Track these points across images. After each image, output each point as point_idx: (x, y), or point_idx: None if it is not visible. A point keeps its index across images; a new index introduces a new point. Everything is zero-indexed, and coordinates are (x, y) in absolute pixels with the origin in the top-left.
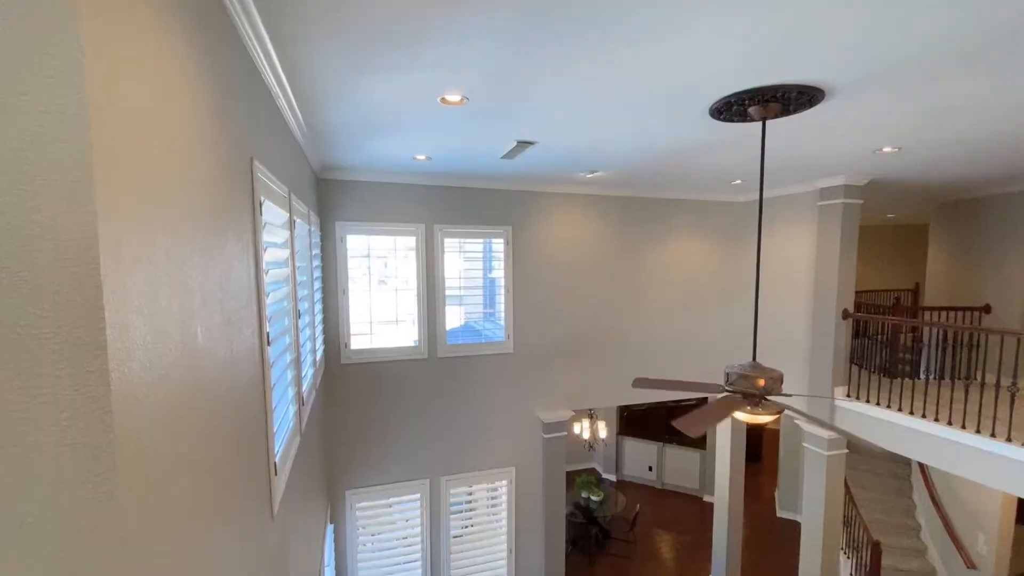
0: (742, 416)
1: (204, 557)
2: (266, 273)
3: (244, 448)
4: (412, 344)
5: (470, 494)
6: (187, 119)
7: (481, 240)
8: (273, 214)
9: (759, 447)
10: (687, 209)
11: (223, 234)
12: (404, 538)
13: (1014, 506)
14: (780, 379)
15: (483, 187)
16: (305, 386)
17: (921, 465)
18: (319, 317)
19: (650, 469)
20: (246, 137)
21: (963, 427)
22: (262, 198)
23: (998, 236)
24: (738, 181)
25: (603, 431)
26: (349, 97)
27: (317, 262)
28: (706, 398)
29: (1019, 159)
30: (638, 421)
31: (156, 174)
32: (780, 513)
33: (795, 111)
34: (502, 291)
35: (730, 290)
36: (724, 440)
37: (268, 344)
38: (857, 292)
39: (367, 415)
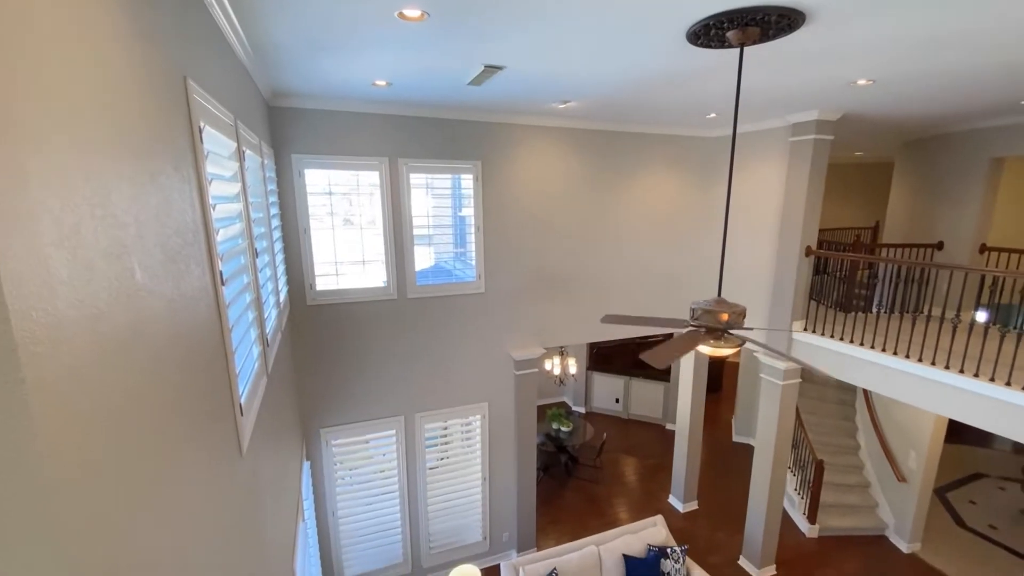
0: (705, 349)
1: (167, 493)
2: (213, 208)
3: (204, 387)
4: (381, 285)
5: (445, 428)
6: (102, 29)
7: (449, 176)
8: (217, 143)
9: (719, 378)
10: (660, 144)
11: (157, 161)
12: (381, 471)
13: (944, 426)
14: (743, 314)
15: (450, 118)
16: (269, 328)
17: (865, 392)
18: (280, 257)
19: (617, 401)
20: (177, 53)
21: (907, 357)
22: (201, 123)
23: (956, 174)
24: (712, 115)
25: (573, 367)
26: (293, 4)
27: (274, 198)
28: (672, 333)
29: (988, 94)
30: (607, 357)
31: (64, 88)
32: (736, 438)
33: (774, 36)
34: (472, 230)
35: (700, 226)
36: (687, 372)
37: (223, 284)
38: (820, 230)
39: (338, 356)
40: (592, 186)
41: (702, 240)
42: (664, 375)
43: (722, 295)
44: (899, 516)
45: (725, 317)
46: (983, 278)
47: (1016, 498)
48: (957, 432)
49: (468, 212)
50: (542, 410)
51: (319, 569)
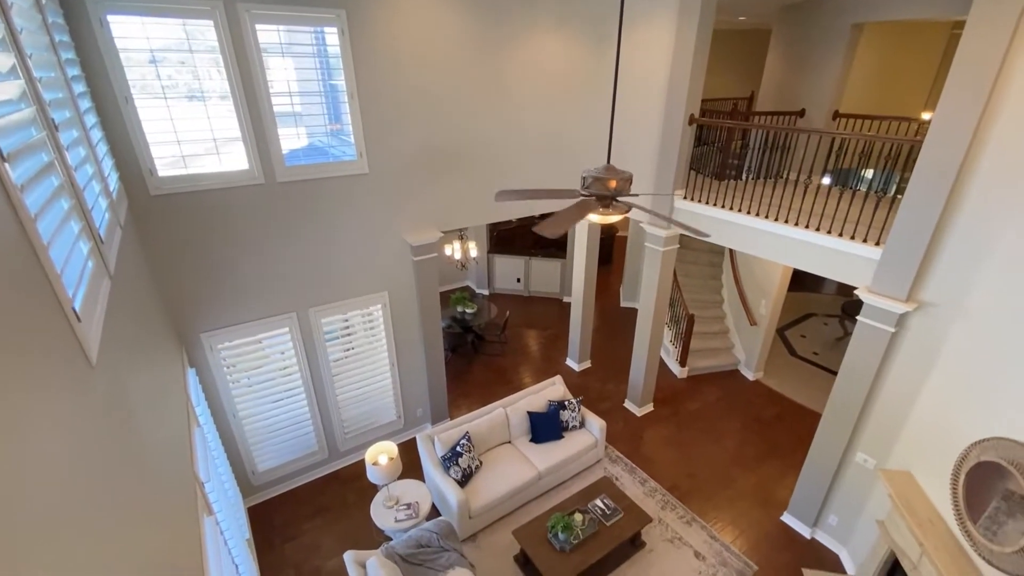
0: (595, 218)
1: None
2: None
3: (9, 293)
4: (244, 169)
5: (346, 321)
6: None
7: (309, 30)
8: None
9: (610, 252)
10: (551, 4)
11: None
12: (282, 369)
13: (789, 277)
14: (630, 180)
15: None
16: (100, 221)
17: (731, 252)
18: (99, 136)
19: (518, 280)
20: None
21: (767, 217)
22: None
23: (821, 41)
24: None
25: (474, 251)
26: None
27: (70, 54)
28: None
29: None
30: (507, 239)
31: None
32: (623, 304)
33: None
34: (347, 98)
35: (592, 94)
36: (580, 249)
37: (4, 161)
38: (702, 100)
39: (205, 253)
40: (479, 49)
41: (595, 108)
42: (560, 253)
43: (611, 163)
44: (749, 353)
45: (613, 184)
46: (832, 144)
47: (834, 330)
48: (798, 281)
49: (340, 80)
50: (446, 295)
51: (228, 468)
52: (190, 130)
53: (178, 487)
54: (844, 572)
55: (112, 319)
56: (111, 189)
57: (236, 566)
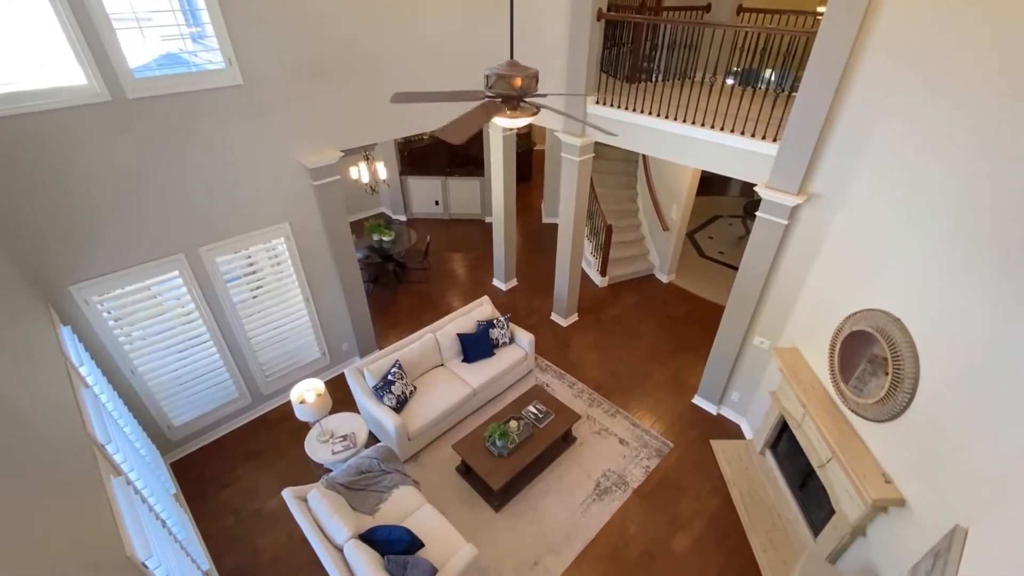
0: (503, 121)
1: None
2: None
3: None
4: (80, 84)
5: (249, 258)
6: None
7: None
8: None
9: (529, 168)
10: None
11: None
12: (181, 317)
13: (697, 181)
14: (536, 77)
15: None
16: None
17: (644, 160)
18: None
19: (437, 203)
20: None
21: (675, 119)
22: None
23: None
24: None
25: (383, 172)
26: None
27: None
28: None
29: None
30: (420, 159)
31: None
32: (545, 220)
33: None
34: None
35: None
36: (497, 164)
37: None
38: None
39: (49, 193)
40: None
41: (498, 6)
42: (478, 171)
43: (515, 59)
44: (662, 257)
45: (519, 82)
46: (735, 40)
47: (737, 230)
48: (705, 185)
49: None
50: (360, 224)
51: (136, 426)
52: None
53: (73, 452)
54: (744, 437)
55: None
56: None
57: (163, 521)
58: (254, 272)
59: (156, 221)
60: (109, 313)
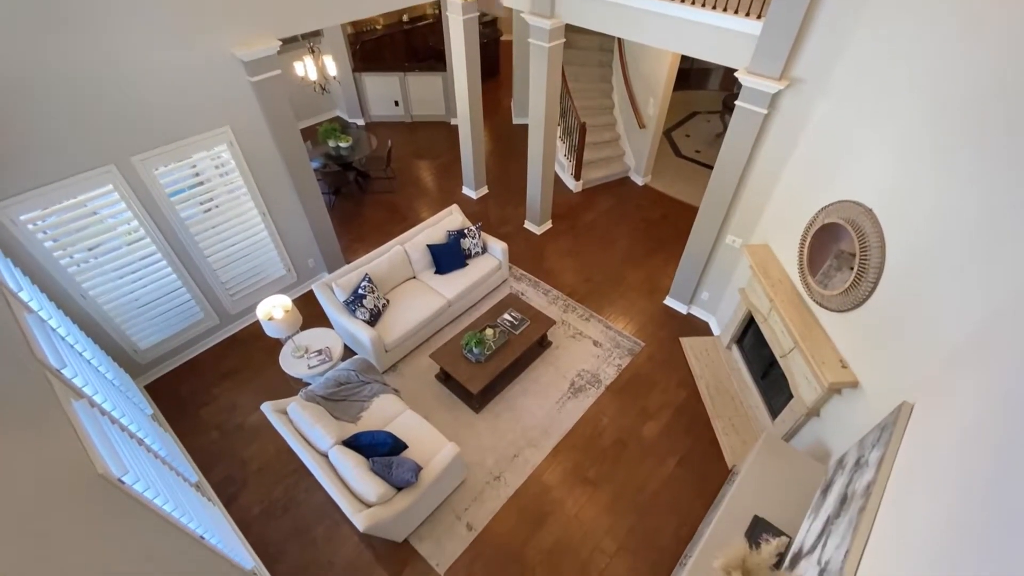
0: None
1: None
2: None
3: None
4: None
5: (193, 168)
6: None
7: None
8: None
9: (496, 62)
10: None
11: None
12: (129, 235)
13: (674, 75)
14: None
15: None
16: None
17: (620, 49)
18: None
19: (396, 104)
20: None
21: None
22: None
23: None
24: None
25: (332, 67)
26: None
27: None
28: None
29: None
30: (374, 53)
31: None
32: (515, 121)
33: None
34: None
35: None
36: (459, 56)
37: None
38: None
39: None
40: None
41: None
42: (440, 65)
43: None
44: (638, 158)
45: None
46: None
47: (715, 126)
48: (683, 79)
49: None
50: (313, 130)
51: (98, 350)
52: None
53: (23, 380)
54: (712, 334)
55: None
56: None
57: (138, 440)
58: (201, 184)
59: (74, 127)
60: (45, 233)
